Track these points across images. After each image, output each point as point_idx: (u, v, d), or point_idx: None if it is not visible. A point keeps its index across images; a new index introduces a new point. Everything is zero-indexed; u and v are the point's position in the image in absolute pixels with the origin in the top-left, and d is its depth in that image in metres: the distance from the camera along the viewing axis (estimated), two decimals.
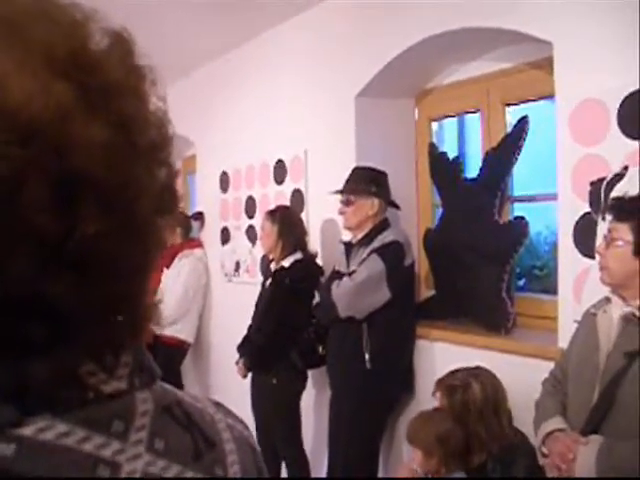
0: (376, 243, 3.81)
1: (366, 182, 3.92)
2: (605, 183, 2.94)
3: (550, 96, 3.31)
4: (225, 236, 6.07)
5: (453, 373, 3.28)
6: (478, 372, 3.22)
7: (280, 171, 5.21)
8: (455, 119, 5.00)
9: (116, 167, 0.61)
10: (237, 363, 4.60)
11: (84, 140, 0.59)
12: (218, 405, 0.81)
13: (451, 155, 4.26)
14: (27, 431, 0.62)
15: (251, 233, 5.61)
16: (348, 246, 4.01)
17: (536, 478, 2.51)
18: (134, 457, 0.66)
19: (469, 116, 4.63)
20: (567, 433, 2.43)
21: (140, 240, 0.66)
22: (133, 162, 0.64)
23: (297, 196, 5.00)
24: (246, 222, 5.72)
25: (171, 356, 6.05)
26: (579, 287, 3.06)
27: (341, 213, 3.99)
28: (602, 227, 2.84)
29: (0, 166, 0.56)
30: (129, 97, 0.65)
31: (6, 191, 0.56)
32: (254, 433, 4.29)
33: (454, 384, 3.21)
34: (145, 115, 0.67)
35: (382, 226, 3.90)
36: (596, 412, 2.36)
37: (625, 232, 2.37)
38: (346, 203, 3.95)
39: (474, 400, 3.12)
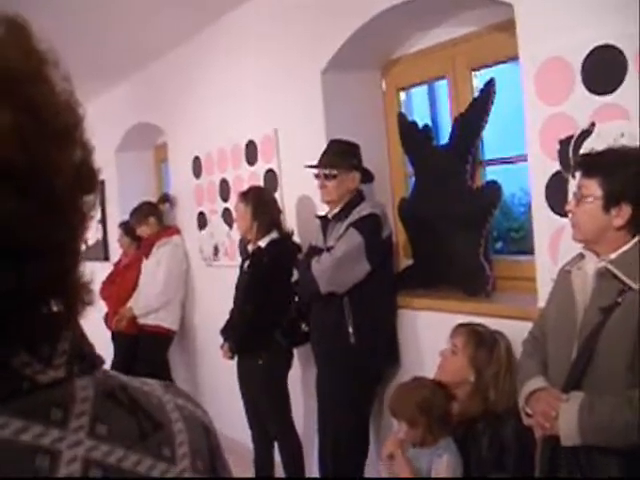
0: (353, 217, 3.80)
1: (347, 155, 3.91)
2: (573, 141, 2.93)
3: (515, 58, 3.30)
4: (202, 221, 6.05)
5: (469, 325, 3.27)
6: (498, 332, 3.22)
7: (251, 152, 5.18)
8: (425, 87, 4.98)
9: (27, 149, 0.61)
10: (222, 347, 4.60)
11: None
12: (168, 387, 0.80)
13: (421, 123, 4.25)
14: None
15: (227, 216, 5.60)
16: (324, 221, 4.00)
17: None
18: (75, 444, 0.65)
19: (436, 83, 4.62)
20: (549, 391, 2.44)
21: (62, 219, 0.65)
22: (45, 143, 0.63)
23: (270, 176, 4.98)
24: (221, 205, 5.71)
25: (157, 345, 6.07)
26: (555, 246, 3.07)
27: (321, 187, 3.95)
28: (573, 185, 2.84)
29: None
30: (32, 81, 0.64)
31: None
32: (244, 415, 4.32)
33: (482, 333, 3.20)
34: (52, 97, 0.66)
35: (358, 199, 3.89)
36: (575, 368, 2.37)
37: (594, 188, 2.37)
38: (327, 177, 3.92)
39: (498, 357, 3.11)
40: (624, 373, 2.26)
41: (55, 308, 0.68)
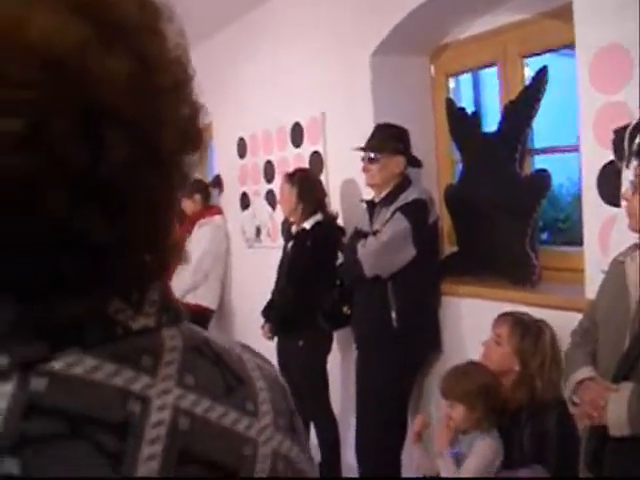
0: (400, 202, 3.79)
1: (392, 139, 3.90)
2: (629, 130, 2.90)
3: (569, 45, 3.26)
4: (245, 202, 6.07)
5: (514, 315, 3.25)
6: (543, 321, 3.20)
7: (298, 134, 5.18)
8: (470, 75, 4.94)
9: (138, 100, 0.62)
10: (263, 327, 4.62)
11: (104, 72, 0.60)
12: (245, 347, 0.81)
13: (469, 110, 4.22)
14: (57, 366, 0.62)
15: (270, 197, 5.61)
16: (370, 205, 3.99)
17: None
18: (164, 392, 0.65)
19: (485, 70, 4.58)
20: (598, 381, 2.42)
21: (165, 174, 0.66)
22: (155, 97, 0.64)
23: (316, 158, 4.98)
24: (265, 187, 5.72)
25: (196, 323, 6.00)
26: (605, 237, 3.04)
27: (365, 170, 3.95)
28: (627, 174, 2.81)
29: (24, 97, 0.57)
30: (146, 33, 0.65)
31: (32, 122, 0.57)
32: None
33: (527, 323, 3.18)
34: (164, 52, 0.67)
35: (404, 184, 3.88)
36: (627, 359, 2.34)
37: None
38: (371, 160, 3.92)
39: (543, 347, 3.10)
40: None
41: (148, 260, 0.69)
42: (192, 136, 0.70)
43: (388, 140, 3.90)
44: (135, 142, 0.61)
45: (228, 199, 6.41)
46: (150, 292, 0.69)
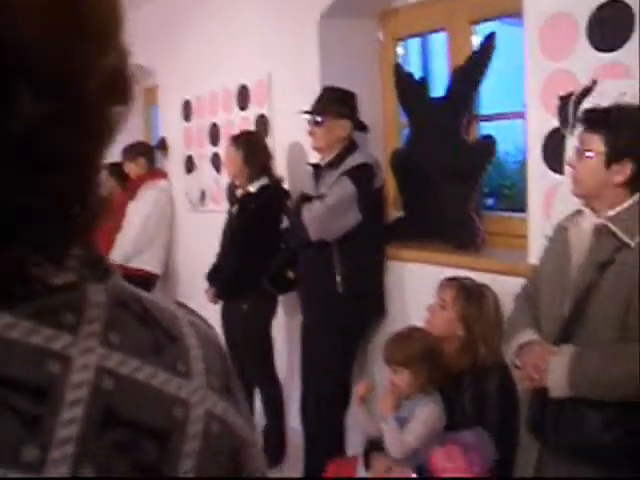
0: (345, 165, 3.77)
1: (338, 103, 3.87)
2: (574, 97, 2.92)
3: (517, 13, 3.25)
4: (189, 165, 6.00)
5: (458, 280, 3.26)
6: (486, 286, 3.22)
7: (244, 97, 5.13)
8: (420, 39, 4.93)
9: (57, 39, 0.56)
10: (207, 291, 4.59)
11: (20, 2, 0.54)
12: (181, 304, 0.77)
13: (417, 75, 4.21)
14: None
15: (216, 161, 5.55)
16: (316, 169, 3.97)
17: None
18: (86, 350, 0.61)
19: (434, 36, 4.57)
20: (540, 344, 2.46)
21: (89, 126, 0.61)
22: (78, 38, 0.58)
23: (262, 121, 4.94)
24: (210, 150, 5.65)
25: (140, 288, 6.01)
26: (548, 203, 3.07)
27: (310, 134, 3.93)
28: (571, 141, 2.83)
29: None
30: None
31: None
32: None
33: (471, 288, 3.19)
34: None
35: (351, 148, 3.86)
36: (568, 323, 2.38)
37: (597, 143, 2.36)
38: (316, 124, 3.89)
39: (487, 310, 3.11)
40: (615, 329, 2.29)
41: (73, 215, 0.63)
42: (119, 86, 0.65)
43: (334, 103, 3.87)
44: (52, 90, 0.56)
45: (173, 162, 6.33)
46: (74, 247, 0.65)
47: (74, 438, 0.58)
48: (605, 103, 2.59)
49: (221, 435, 0.68)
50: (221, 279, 4.46)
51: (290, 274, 4.21)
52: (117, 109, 0.66)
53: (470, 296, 3.14)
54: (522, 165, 3.45)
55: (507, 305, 2.96)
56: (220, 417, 0.68)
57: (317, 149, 3.96)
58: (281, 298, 4.50)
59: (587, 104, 2.79)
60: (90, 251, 0.67)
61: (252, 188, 4.35)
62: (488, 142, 3.67)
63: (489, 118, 4.04)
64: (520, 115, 3.32)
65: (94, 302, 0.64)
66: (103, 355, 0.62)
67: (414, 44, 5.22)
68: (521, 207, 3.43)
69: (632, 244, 2.30)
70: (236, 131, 4.79)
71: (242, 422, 0.71)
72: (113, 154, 6.16)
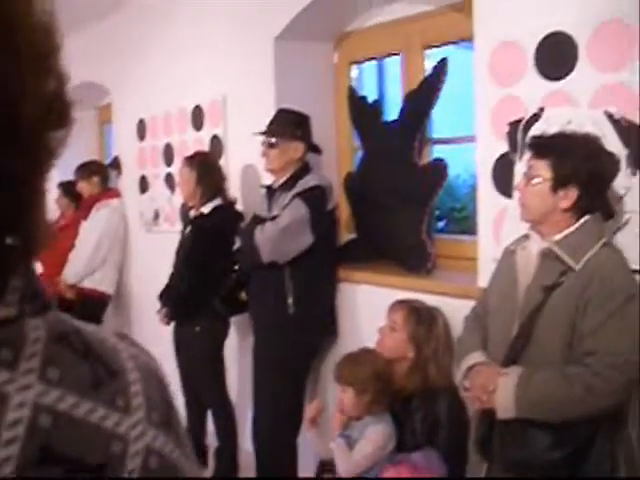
0: (298, 187, 3.78)
1: (291, 125, 3.88)
2: (522, 124, 2.98)
3: (469, 39, 3.31)
4: (143, 185, 5.97)
5: (408, 302, 3.29)
6: (436, 309, 3.25)
7: (198, 117, 5.13)
8: (375, 62, 4.98)
9: None
10: (159, 312, 4.55)
11: None
12: (122, 336, 0.76)
13: (371, 98, 4.26)
14: None
15: (170, 181, 5.53)
16: (269, 190, 3.98)
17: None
18: (24, 387, 0.61)
19: (389, 59, 4.62)
20: (488, 366, 2.49)
21: (27, 151, 0.61)
22: (12, 64, 0.58)
23: (216, 142, 4.94)
24: (164, 170, 5.63)
25: (92, 309, 5.97)
26: (498, 227, 3.12)
27: (264, 155, 3.93)
28: (520, 167, 2.89)
29: None
30: None
31: None
32: (179, 383, 4.26)
33: (421, 310, 3.22)
34: (28, 13, 0.61)
35: (304, 170, 3.87)
36: (515, 345, 2.42)
37: (544, 169, 2.41)
38: (270, 145, 3.90)
39: (437, 334, 3.15)
40: (562, 350, 2.34)
41: (10, 243, 0.62)
42: (58, 111, 0.65)
43: (287, 125, 3.89)
44: None
45: (127, 182, 6.29)
46: (13, 279, 0.64)
47: (9, 476, 0.58)
48: (552, 130, 2.66)
49: (160, 469, 0.67)
50: (173, 300, 4.42)
51: (242, 295, 4.21)
52: (56, 134, 0.65)
53: (420, 318, 3.17)
54: (473, 189, 3.50)
55: (457, 327, 2.99)
56: (159, 452, 0.68)
57: (270, 171, 3.97)
58: (233, 319, 4.48)
59: (535, 130, 2.85)
60: (31, 282, 0.66)
61: (205, 209, 4.33)
62: (439, 166, 3.72)
63: (441, 142, 4.09)
64: (472, 139, 3.37)
65: (33, 337, 0.63)
66: (41, 392, 0.61)
67: (371, 68, 5.26)
68: (472, 230, 3.48)
69: (577, 268, 2.35)
70: (190, 151, 4.78)
71: (181, 455, 0.71)
72: (66, 173, 6.12)
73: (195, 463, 0.75)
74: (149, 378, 0.72)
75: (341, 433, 3.14)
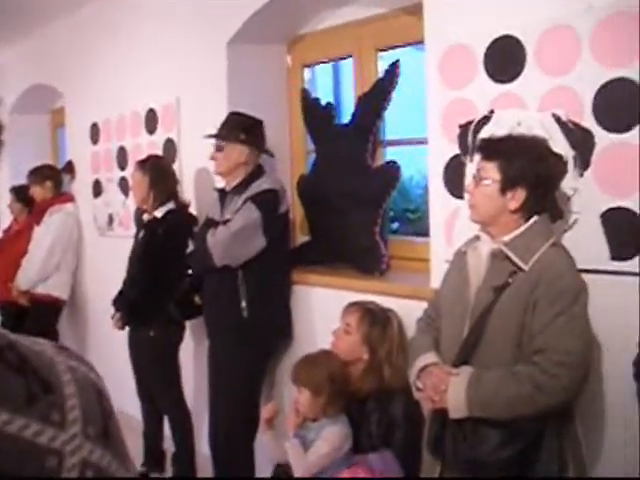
0: (251, 191, 3.78)
1: (236, 128, 3.87)
2: (473, 126, 3.01)
3: (421, 41, 3.34)
4: (97, 189, 5.93)
5: (362, 304, 3.30)
6: (391, 310, 3.26)
7: (151, 120, 5.10)
8: (330, 65, 5.00)
9: None
10: (113, 317, 4.51)
11: None
12: (61, 348, 0.76)
13: (324, 101, 4.27)
14: None
15: (124, 185, 5.49)
16: (222, 193, 3.97)
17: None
18: None
19: (342, 62, 4.64)
20: (440, 366, 2.51)
21: None
22: None
23: (169, 145, 4.92)
24: (118, 174, 5.60)
25: (46, 315, 5.92)
26: (450, 228, 3.14)
27: (213, 158, 3.94)
28: (470, 168, 2.92)
29: None
30: None
31: None
32: (134, 387, 4.23)
33: (375, 312, 3.23)
34: None
35: (256, 174, 3.87)
36: (466, 345, 2.45)
37: (493, 171, 2.44)
38: (217, 149, 3.91)
39: (391, 335, 3.17)
40: (512, 350, 2.37)
41: None
42: None
43: (232, 129, 3.88)
44: None
45: (80, 186, 6.24)
46: None
47: None
48: (501, 132, 2.69)
49: None
50: (127, 305, 4.39)
51: (197, 299, 4.20)
52: None
53: (374, 320, 3.19)
54: (426, 190, 3.53)
55: (411, 329, 3.01)
56: (96, 464, 0.68)
57: (218, 173, 3.99)
58: (188, 323, 4.46)
59: (485, 133, 2.88)
60: None
61: (159, 213, 4.31)
62: (392, 167, 3.75)
63: (394, 143, 4.12)
64: (424, 141, 3.39)
65: None
66: None
67: (324, 70, 5.27)
68: (425, 231, 3.50)
69: (526, 268, 2.38)
70: (144, 155, 4.76)
71: (120, 467, 0.71)
72: (19, 177, 6.05)
73: (134, 474, 0.75)
74: (87, 390, 0.72)
75: (296, 433, 3.14)
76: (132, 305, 4.34)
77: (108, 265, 5.50)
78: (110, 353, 5.45)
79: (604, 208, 2.59)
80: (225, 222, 3.77)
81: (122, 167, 5.54)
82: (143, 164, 4.41)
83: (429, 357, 2.58)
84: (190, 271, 4.25)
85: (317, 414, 3.10)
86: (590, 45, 2.60)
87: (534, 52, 2.78)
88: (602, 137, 2.58)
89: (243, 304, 3.75)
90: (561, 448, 2.36)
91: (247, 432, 3.89)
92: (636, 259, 2.52)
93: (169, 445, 4.55)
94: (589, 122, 2.61)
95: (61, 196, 6.14)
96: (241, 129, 3.87)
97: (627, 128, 2.52)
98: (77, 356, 0.77)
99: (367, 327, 3.18)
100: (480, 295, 2.46)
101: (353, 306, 3.29)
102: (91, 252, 6.14)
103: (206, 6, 4.49)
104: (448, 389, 2.40)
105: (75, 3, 5.72)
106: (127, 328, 4.46)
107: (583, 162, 2.63)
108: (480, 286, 2.48)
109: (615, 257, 2.58)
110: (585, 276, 2.46)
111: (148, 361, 4.35)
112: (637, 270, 2.52)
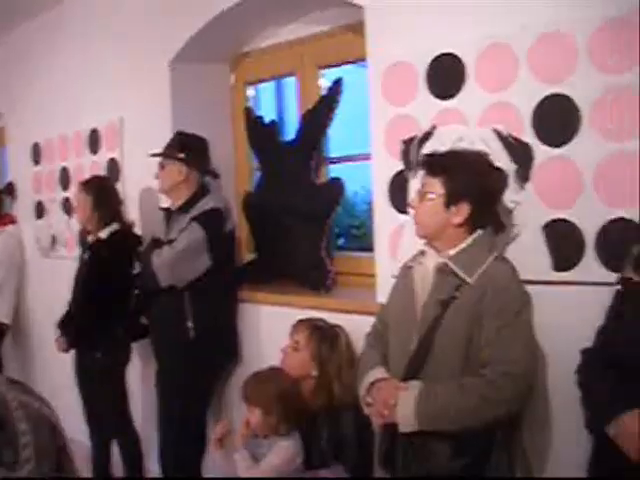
0: (195, 210, 3.76)
1: (176, 148, 3.88)
2: (416, 141, 3.05)
3: (363, 59, 3.37)
4: (40, 210, 5.84)
5: (310, 321, 3.30)
6: (338, 326, 3.27)
7: (95, 140, 5.06)
8: (273, 83, 5.02)
9: None
10: (58, 340, 4.44)
11: None
12: (13, 382, 0.75)
13: (268, 119, 4.28)
14: None
15: (67, 206, 5.43)
16: (167, 213, 3.95)
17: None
18: None
19: (285, 79, 4.66)
20: (389, 381, 2.52)
21: None
22: None
23: (113, 165, 4.88)
24: (61, 194, 5.53)
25: None
26: (394, 243, 3.17)
27: (157, 177, 3.93)
28: (414, 183, 2.95)
29: None
30: None
31: None
32: (80, 411, 4.15)
33: (324, 328, 3.24)
34: None
35: (201, 193, 3.85)
36: (415, 359, 2.46)
37: (437, 186, 2.47)
38: (161, 167, 3.91)
39: (339, 351, 3.17)
40: (460, 363, 2.39)
41: None
42: None
43: (172, 148, 3.89)
44: None
45: (22, 207, 6.13)
46: None
47: None
48: (444, 148, 2.73)
49: None
50: (73, 327, 4.32)
51: (143, 320, 4.16)
52: None
53: (323, 337, 3.20)
54: (371, 206, 3.55)
55: (360, 344, 3.01)
56: None
57: (161, 192, 3.99)
58: (135, 345, 4.41)
59: (427, 148, 2.92)
60: None
61: (103, 234, 4.26)
62: (336, 184, 3.78)
63: (338, 160, 4.15)
64: (368, 157, 3.42)
65: None
66: None
67: (268, 88, 5.28)
68: (370, 247, 3.52)
69: (471, 281, 2.41)
70: (87, 175, 4.71)
71: None
72: None
73: None
74: (40, 427, 0.71)
75: (246, 446, 3.12)
76: (78, 327, 4.28)
77: (52, 287, 5.41)
78: (55, 377, 5.36)
79: (545, 220, 2.65)
80: (170, 242, 3.74)
81: (65, 187, 5.47)
82: (87, 184, 4.36)
83: (378, 372, 2.59)
84: (137, 292, 4.21)
85: (269, 432, 3.09)
86: (527, 62, 2.67)
87: (474, 69, 2.84)
88: (541, 151, 2.65)
89: (190, 324, 3.73)
90: (510, 457, 2.40)
91: (195, 452, 3.86)
92: (577, 269, 2.58)
93: (118, 468, 4.48)
94: (528, 137, 2.68)
95: (3, 218, 6.03)
96: (181, 148, 3.87)
97: (564, 142, 2.58)
98: (29, 390, 0.76)
99: (316, 344, 3.18)
100: (427, 309, 2.48)
101: (301, 323, 3.30)
102: (34, 274, 6.04)
103: (149, 25, 4.47)
104: (398, 404, 2.41)
105: (15, 21, 5.66)
106: (72, 351, 4.40)
107: (523, 176, 2.69)
108: (426, 300, 2.50)
109: (557, 268, 2.64)
110: (528, 287, 2.50)
111: (95, 384, 4.28)
112: (578, 280, 2.58)
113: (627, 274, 2.23)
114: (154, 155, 3.92)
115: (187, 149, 3.87)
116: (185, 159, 3.85)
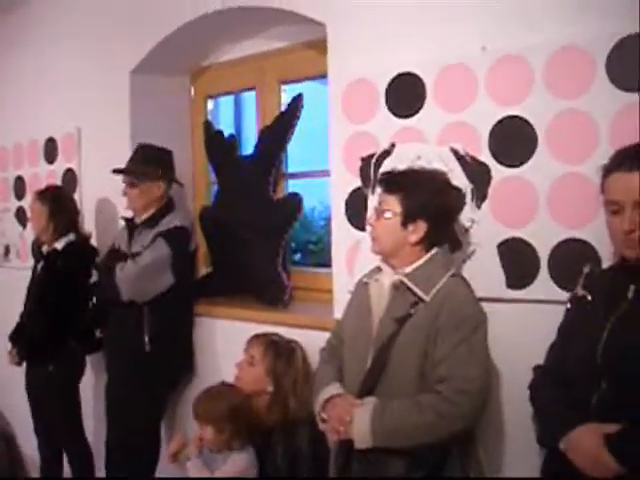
0: (162, 226, 3.73)
1: (152, 165, 3.82)
2: (374, 159, 3.07)
3: (324, 75, 3.39)
4: None
5: (266, 336, 3.29)
6: (294, 341, 3.27)
7: (51, 149, 5.01)
8: (231, 97, 5.02)
9: None
10: (10, 352, 4.37)
11: None
12: None
13: (227, 133, 4.29)
14: None
15: (21, 215, 5.36)
16: (130, 224, 3.91)
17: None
18: None
19: (245, 94, 4.67)
20: (344, 397, 2.53)
21: None
22: None
23: (70, 175, 4.84)
24: (15, 204, 5.45)
25: None
26: (351, 259, 3.19)
27: (125, 194, 3.85)
28: (372, 200, 2.98)
29: None
30: None
31: None
32: (30, 424, 4.06)
33: (280, 343, 3.23)
34: None
35: (167, 208, 3.83)
36: (370, 376, 2.47)
37: (394, 204, 2.49)
38: (131, 185, 3.83)
39: (295, 367, 3.16)
40: (415, 380, 2.40)
41: None
42: None
43: (149, 165, 3.81)
44: None
45: None
46: None
47: None
48: (402, 165, 2.75)
49: None
50: (26, 340, 4.26)
51: (98, 333, 4.11)
52: None
53: (279, 352, 3.19)
54: (328, 222, 3.57)
55: (315, 359, 3.02)
56: None
57: (132, 209, 3.91)
58: (90, 357, 4.36)
59: (386, 166, 2.95)
60: None
61: (58, 245, 4.21)
62: (294, 199, 3.79)
63: (296, 176, 4.16)
64: (326, 173, 3.43)
65: None
66: None
67: (228, 102, 5.29)
68: (327, 263, 3.54)
69: (427, 299, 2.43)
70: (42, 185, 4.66)
71: None
72: None
73: None
74: None
75: (199, 456, 3.10)
76: (31, 340, 4.21)
77: (4, 298, 5.32)
78: (7, 389, 5.27)
79: (500, 239, 2.69)
80: (133, 255, 3.71)
81: (19, 197, 5.40)
82: (42, 194, 4.32)
83: (333, 388, 2.59)
84: (91, 304, 4.17)
85: (222, 448, 3.08)
86: (485, 84, 2.71)
87: (433, 89, 2.87)
88: (498, 171, 2.69)
89: (146, 339, 3.70)
90: (464, 470, 2.42)
91: (147, 467, 3.83)
92: (531, 287, 2.62)
93: None
94: (485, 156, 2.72)
95: None
96: (157, 164, 3.82)
97: (520, 163, 2.63)
98: None
99: (271, 359, 3.18)
100: (382, 326, 2.49)
101: (257, 338, 3.29)
102: None
103: (110, 35, 4.45)
104: (353, 420, 2.42)
105: None
106: (24, 364, 4.33)
107: (480, 195, 2.72)
108: (382, 317, 2.51)
109: (511, 286, 2.68)
110: (484, 304, 2.54)
111: (47, 397, 4.22)
112: (532, 298, 2.62)
113: (578, 292, 2.28)
114: (121, 172, 3.85)
115: (163, 164, 3.84)
116: (163, 176, 3.82)
